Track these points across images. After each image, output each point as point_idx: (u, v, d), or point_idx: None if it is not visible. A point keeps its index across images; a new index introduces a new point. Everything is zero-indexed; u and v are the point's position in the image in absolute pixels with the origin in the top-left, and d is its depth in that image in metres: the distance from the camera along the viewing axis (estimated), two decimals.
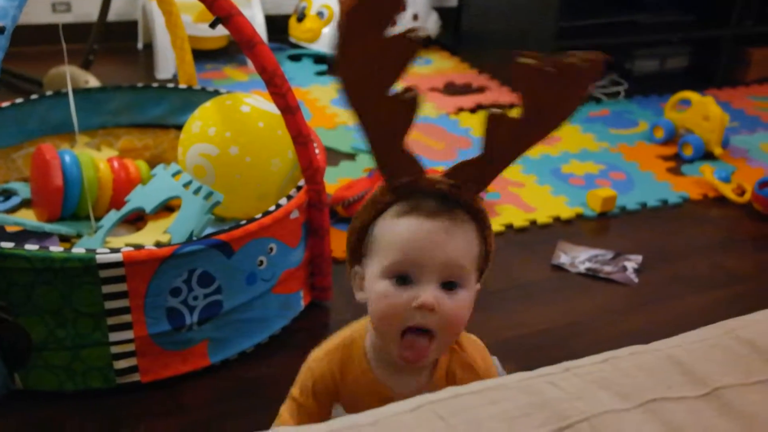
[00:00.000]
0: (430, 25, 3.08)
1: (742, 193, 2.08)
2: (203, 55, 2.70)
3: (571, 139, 2.38)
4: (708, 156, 2.29)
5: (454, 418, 0.54)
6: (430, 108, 2.53)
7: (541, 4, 2.58)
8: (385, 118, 0.80)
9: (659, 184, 2.15)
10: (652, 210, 2.03)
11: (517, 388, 0.59)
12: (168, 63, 2.55)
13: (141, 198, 1.51)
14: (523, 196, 2.03)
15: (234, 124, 1.59)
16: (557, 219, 1.95)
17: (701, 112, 2.30)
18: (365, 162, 2.13)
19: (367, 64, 0.76)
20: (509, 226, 1.89)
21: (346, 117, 2.41)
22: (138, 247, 1.24)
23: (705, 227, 1.95)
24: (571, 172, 2.18)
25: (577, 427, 0.55)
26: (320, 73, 2.76)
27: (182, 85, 1.87)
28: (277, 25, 2.94)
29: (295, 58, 2.86)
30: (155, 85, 1.90)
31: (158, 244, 1.35)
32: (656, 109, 2.62)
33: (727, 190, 2.08)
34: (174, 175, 1.49)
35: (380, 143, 0.83)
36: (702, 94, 2.44)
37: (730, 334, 0.69)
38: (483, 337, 1.18)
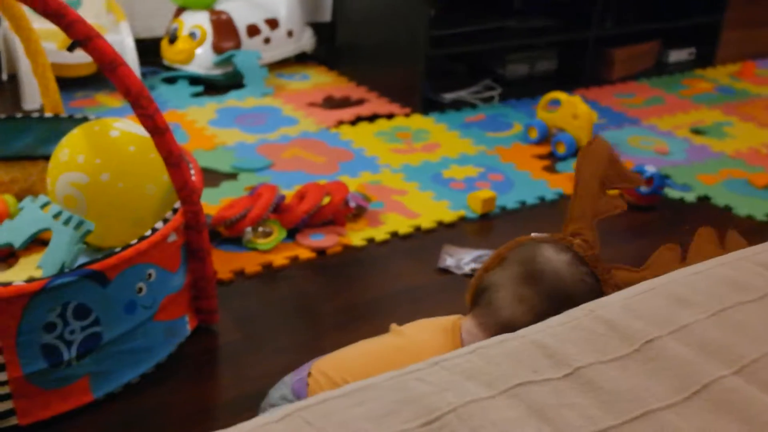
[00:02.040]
0: (305, 40, 3.09)
1: None
2: (73, 83, 2.62)
3: (450, 145, 2.42)
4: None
5: (323, 422, 0.54)
6: (309, 123, 2.53)
7: (412, 14, 2.63)
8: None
9: (536, 182, 2.21)
10: (531, 208, 2.09)
11: (385, 387, 0.59)
12: (34, 92, 2.46)
13: (9, 233, 1.45)
14: (406, 203, 2.05)
15: (104, 150, 1.55)
16: (441, 223, 1.98)
17: (570, 111, 2.38)
18: (247, 181, 2.12)
19: None
20: (394, 234, 1.91)
21: (224, 137, 2.39)
22: (5, 283, 1.19)
23: None
24: (451, 177, 2.22)
25: (444, 419, 0.56)
26: (196, 95, 2.72)
27: (48, 114, 1.81)
28: (149, 47, 2.88)
29: (170, 81, 2.81)
30: (19, 115, 1.83)
31: (30, 280, 1.31)
32: (529, 110, 2.70)
33: None
34: (42, 206, 1.44)
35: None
36: (570, 94, 2.53)
37: (589, 315, 0.71)
38: None
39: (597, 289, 1.07)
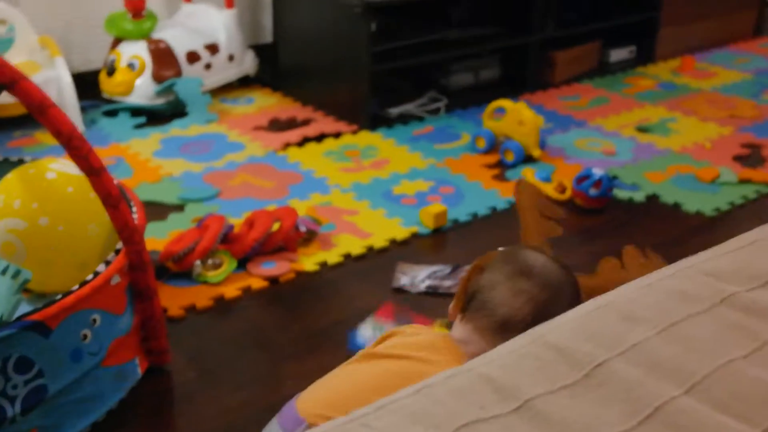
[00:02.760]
0: (247, 64, 3.05)
1: (563, 190, 2.16)
2: (10, 123, 2.55)
3: (400, 160, 2.41)
4: (528, 159, 2.38)
5: None
6: (256, 147, 2.50)
7: (352, 32, 2.61)
8: None
9: (487, 192, 2.21)
10: (483, 219, 2.08)
11: None
12: None
13: None
14: (358, 223, 2.03)
15: (40, 193, 1.50)
16: (394, 241, 1.96)
17: (516, 117, 2.39)
18: (194, 212, 2.08)
19: None
20: (347, 256, 1.89)
21: (170, 168, 2.35)
22: None
23: None
24: (402, 193, 2.20)
25: None
26: (139, 126, 2.67)
27: None
28: (88, 81, 2.82)
29: (111, 114, 2.75)
30: None
31: None
32: (476, 120, 2.70)
33: (549, 190, 2.16)
34: None
35: None
36: (516, 100, 2.54)
37: (537, 342, 0.70)
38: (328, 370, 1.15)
39: (575, 283, 1.13)
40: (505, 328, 1.06)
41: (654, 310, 0.75)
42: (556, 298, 1.07)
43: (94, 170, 1.29)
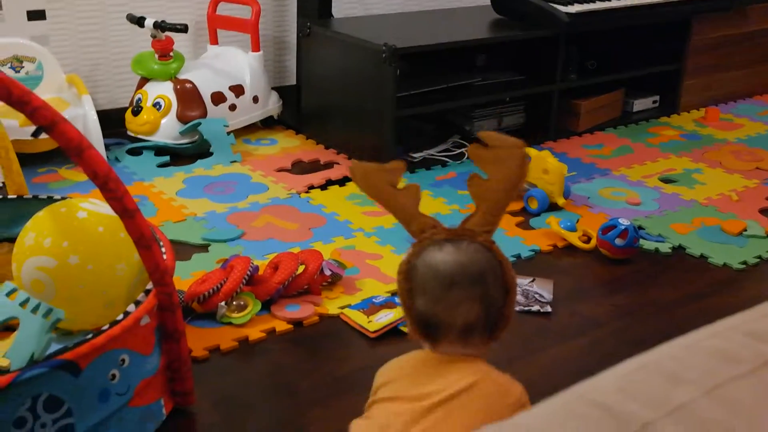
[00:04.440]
0: (271, 105, 3.09)
1: (588, 240, 2.16)
2: (36, 158, 2.58)
3: (423, 205, 2.39)
4: (553, 207, 2.38)
5: None
6: (279, 189, 2.51)
7: (377, 76, 2.64)
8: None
9: (511, 239, 2.20)
10: None
11: None
12: None
13: None
14: (381, 267, 2.03)
15: (71, 232, 1.51)
16: None
17: (540, 165, 2.39)
18: (218, 252, 2.08)
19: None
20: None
21: (194, 208, 2.36)
22: None
23: (558, 277, 2.00)
24: None
25: None
26: (163, 165, 2.70)
27: (11, 196, 1.77)
28: (113, 119, 2.86)
29: (135, 152, 2.78)
30: None
31: None
32: None
33: (574, 239, 2.16)
34: (8, 294, 1.39)
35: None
36: (539, 148, 2.54)
37: (581, 400, 0.69)
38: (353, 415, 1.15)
39: (492, 257, 1.15)
40: (469, 332, 1.12)
41: (698, 371, 0.74)
42: (488, 280, 1.12)
43: (128, 212, 1.30)
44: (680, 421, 0.67)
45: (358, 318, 1.78)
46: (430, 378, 1.13)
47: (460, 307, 1.11)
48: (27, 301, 1.36)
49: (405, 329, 1.25)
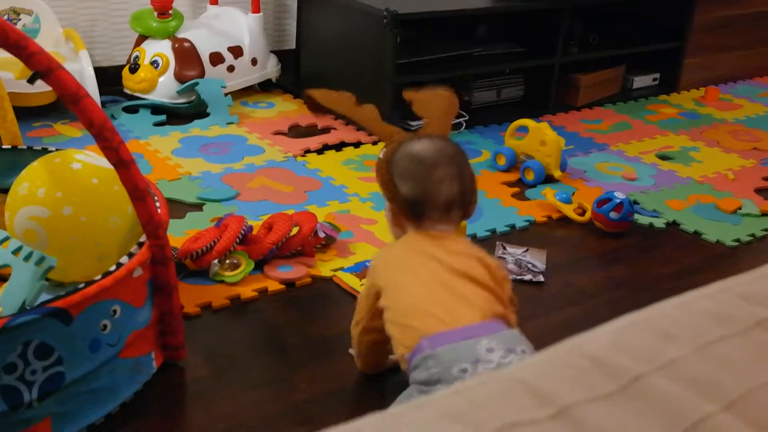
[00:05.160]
0: (270, 68, 3.07)
1: (583, 212, 2.16)
2: (31, 112, 2.56)
3: None
4: (549, 179, 2.38)
5: None
6: (275, 152, 2.50)
7: (377, 42, 2.62)
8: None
9: (506, 209, 2.20)
10: (502, 235, 2.07)
11: None
12: None
13: None
14: (376, 232, 2.03)
15: (65, 183, 1.51)
16: None
17: (538, 137, 2.39)
18: (212, 212, 2.08)
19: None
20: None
21: (189, 167, 2.35)
22: None
23: (552, 248, 2.00)
24: None
25: None
26: (159, 124, 2.68)
27: (6, 146, 1.76)
28: (110, 76, 2.84)
29: (132, 110, 2.77)
30: None
31: None
32: (497, 137, 2.70)
33: (569, 211, 2.16)
34: (1, 242, 1.39)
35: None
36: (537, 120, 2.54)
37: (574, 352, 0.69)
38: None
39: (457, 146, 1.40)
40: (449, 207, 1.34)
41: (689, 329, 0.75)
42: (461, 161, 1.36)
43: (123, 162, 1.30)
44: (670, 375, 0.67)
45: (350, 281, 1.79)
46: (439, 244, 1.33)
47: (443, 185, 1.32)
48: (20, 249, 1.36)
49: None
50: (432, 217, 1.34)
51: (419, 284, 1.27)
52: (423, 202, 1.33)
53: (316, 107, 1.56)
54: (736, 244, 2.08)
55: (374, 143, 2.60)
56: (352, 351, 1.50)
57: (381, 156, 1.39)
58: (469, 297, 1.26)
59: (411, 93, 1.50)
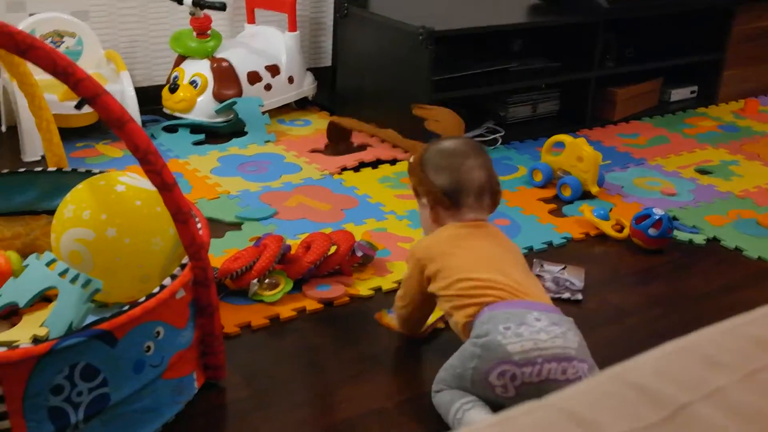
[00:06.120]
0: (306, 86, 3.10)
1: (621, 229, 2.15)
2: (73, 133, 2.62)
3: None
4: (586, 195, 2.37)
5: None
6: (312, 170, 2.52)
7: (413, 58, 2.63)
8: None
9: (543, 226, 2.20)
10: (539, 253, 2.06)
11: None
12: (35, 145, 2.46)
13: (13, 292, 1.43)
14: None
15: (109, 205, 1.53)
16: None
17: (575, 153, 2.38)
18: (251, 231, 2.10)
19: None
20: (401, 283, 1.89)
21: (228, 186, 2.38)
22: (12, 346, 1.17)
23: (590, 265, 1.99)
24: None
25: None
26: (198, 143, 2.72)
27: (51, 168, 1.80)
28: (150, 96, 2.89)
29: (171, 129, 2.81)
30: (22, 170, 1.82)
31: (36, 339, 1.29)
32: (533, 152, 2.70)
33: (607, 227, 2.14)
34: (48, 264, 1.42)
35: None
36: (574, 135, 2.53)
37: (617, 380, 0.69)
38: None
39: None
40: (482, 194, 1.51)
41: (735, 356, 0.74)
42: (485, 153, 1.54)
43: (167, 185, 1.32)
44: (716, 403, 0.67)
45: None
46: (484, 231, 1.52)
47: (474, 172, 1.49)
48: (66, 271, 1.39)
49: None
50: (468, 203, 1.50)
51: (477, 257, 1.45)
52: (459, 189, 1.49)
53: (336, 136, 1.80)
54: None
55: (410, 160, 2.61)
56: (391, 314, 1.70)
57: (411, 161, 1.57)
58: (534, 280, 1.49)
59: (421, 110, 1.75)
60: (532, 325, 1.32)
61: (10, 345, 1.17)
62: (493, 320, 1.34)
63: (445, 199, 1.50)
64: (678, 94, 3.29)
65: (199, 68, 2.82)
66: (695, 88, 3.33)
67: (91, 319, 1.32)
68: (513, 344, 1.29)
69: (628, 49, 3.14)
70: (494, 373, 1.29)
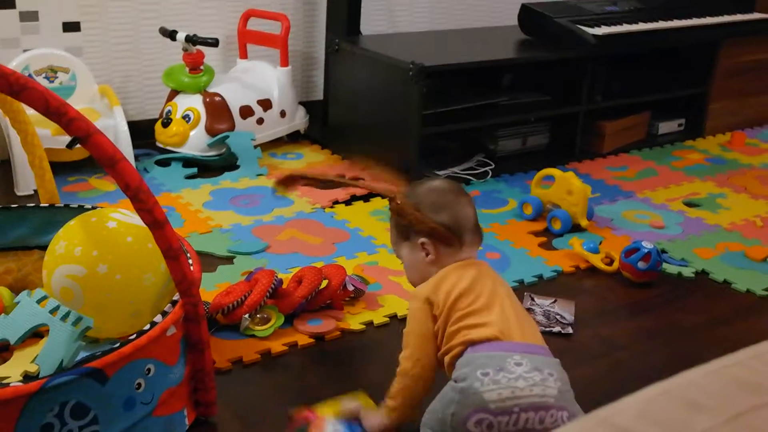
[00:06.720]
0: (298, 120, 3.12)
1: (610, 262, 2.16)
2: (66, 167, 2.63)
3: None
4: (576, 228, 2.39)
5: None
6: (304, 203, 2.53)
7: (403, 93, 2.66)
8: None
9: (533, 260, 2.21)
10: (530, 286, 2.08)
11: None
12: (28, 179, 2.47)
13: (4, 328, 1.43)
14: (404, 284, 2.04)
15: (101, 241, 1.54)
16: None
17: (564, 186, 2.40)
18: (243, 265, 2.11)
19: None
20: (393, 317, 1.90)
21: (220, 219, 2.39)
22: (2, 383, 1.17)
23: (580, 298, 2.01)
24: None
25: None
26: (190, 177, 2.73)
27: (44, 204, 1.81)
28: (143, 130, 2.91)
29: (164, 163, 2.82)
30: (14, 205, 1.83)
31: (26, 376, 1.29)
32: (523, 186, 2.72)
33: (597, 261, 2.16)
34: (39, 301, 1.42)
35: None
36: (563, 168, 2.55)
37: (604, 424, 0.70)
38: None
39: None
40: (476, 229, 1.51)
41: (719, 399, 0.75)
42: (464, 190, 1.54)
43: (158, 223, 1.33)
44: None
45: None
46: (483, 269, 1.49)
47: (467, 208, 1.50)
48: (57, 308, 1.39)
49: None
50: (467, 239, 1.48)
51: (476, 291, 1.41)
52: (460, 226, 1.47)
53: (286, 184, 1.72)
54: (767, 293, 2.06)
55: None
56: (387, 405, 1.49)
57: (399, 201, 1.50)
58: (525, 315, 1.44)
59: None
60: (511, 371, 1.28)
61: (0, 382, 1.17)
62: (472, 363, 1.31)
63: (451, 236, 1.46)
64: (666, 127, 3.33)
65: (191, 103, 2.84)
66: (682, 121, 3.37)
67: (82, 355, 1.33)
68: (490, 392, 1.26)
69: (616, 84, 3.18)
70: (471, 421, 1.27)
